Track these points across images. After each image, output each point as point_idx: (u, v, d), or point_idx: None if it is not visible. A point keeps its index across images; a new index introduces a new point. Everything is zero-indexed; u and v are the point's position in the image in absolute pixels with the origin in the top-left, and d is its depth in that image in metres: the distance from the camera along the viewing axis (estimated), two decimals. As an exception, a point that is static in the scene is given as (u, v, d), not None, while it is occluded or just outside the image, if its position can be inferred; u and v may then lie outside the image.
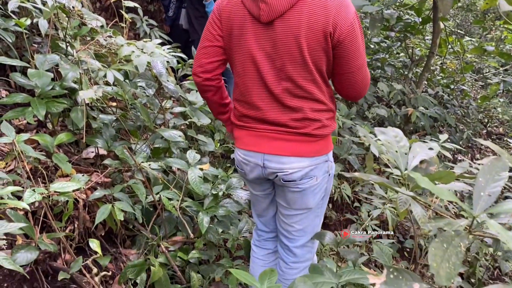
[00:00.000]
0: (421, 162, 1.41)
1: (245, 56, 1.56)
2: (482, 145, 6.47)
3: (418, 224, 1.58)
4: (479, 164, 2.02)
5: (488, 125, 6.90)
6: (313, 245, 1.94)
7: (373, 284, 1.04)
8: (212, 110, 1.86)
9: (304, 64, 1.49)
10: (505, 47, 6.93)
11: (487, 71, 6.96)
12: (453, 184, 1.34)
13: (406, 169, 1.34)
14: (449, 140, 4.92)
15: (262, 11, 1.45)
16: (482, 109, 6.87)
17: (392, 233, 3.43)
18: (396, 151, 1.36)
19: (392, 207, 2.52)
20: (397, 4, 4.79)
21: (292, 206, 1.76)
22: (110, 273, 1.86)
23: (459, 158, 5.50)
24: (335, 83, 1.64)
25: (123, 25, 2.73)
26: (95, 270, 1.80)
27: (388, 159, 1.48)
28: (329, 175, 1.76)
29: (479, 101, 6.48)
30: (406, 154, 1.36)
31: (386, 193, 2.55)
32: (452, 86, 6.03)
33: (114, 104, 2.35)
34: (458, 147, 1.95)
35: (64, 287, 1.74)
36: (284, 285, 1.91)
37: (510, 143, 6.65)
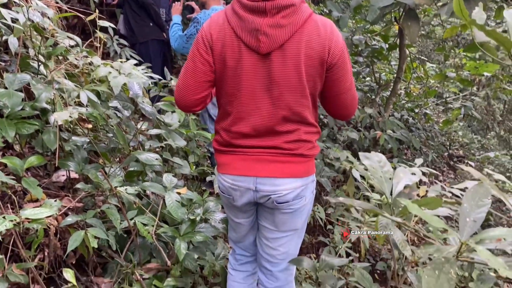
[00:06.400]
0: (404, 187, 1.43)
1: (241, 87, 1.54)
2: (444, 167, 6.69)
3: (398, 248, 1.59)
4: (451, 187, 2.07)
5: (450, 147, 7.16)
6: (293, 267, 1.93)
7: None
8: None
9: (303, 91, 1.52)
10: (463, 73, 7.27)
11: (447, 95, 7.26)
12: (437, 209, 1.36)
13: (391, 194, 1.35)
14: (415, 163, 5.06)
15: (262, 43, 1.45)
16: (444, 132, 7.13)
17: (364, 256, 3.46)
18: (381, 176, 1.37)
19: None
20: (364, 30, 4.95)
21: (280, 229, 1.75)
22: (81, 304, 1.76)
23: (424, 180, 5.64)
24: (327, 105, 1.70)
25: (96, 44, 2.68)
26: (65, 301, 1.70)
27: (370, 184, 1.49)
28: (313, 194, 1.78)
29: (441, 124, 6.73)
30: (390, 179, 1.38)
31: (361, 216, 2.57)
32: (416, 110, 6.23)
33: (90, 126, 2.27)
34: (433, 171, 2.00)
35: (32, 320, 1.63)
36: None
37: (470, 165, 6.91)
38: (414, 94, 6.59)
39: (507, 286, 3.43)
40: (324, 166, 3.62)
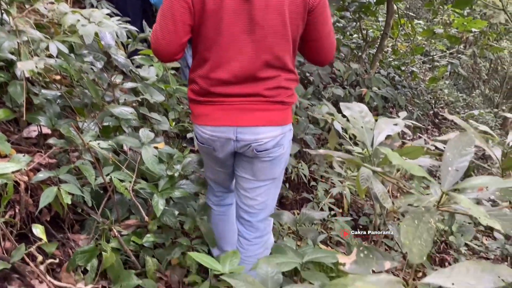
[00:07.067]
0: (386, 137, 1.39)
1: (222, 31, 1.47)
2: (429, 125, 6.71)
3: (378, 201, 1.56)
4: (435, 141, 2.04)
5: (435, 105, 7.16)
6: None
7: (343, 264, 1.00)
8: None
9: (285, 35, 1.48)
10: (451, 30, 7.17)
11: (434, 53, 7.18)
12: (419, 160, 1.33)
13: (372, 145, 1.30)
14: (399, 116, 5.03)
15: None
16: (429, 91, 7.11)
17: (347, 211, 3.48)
18: (362, 127, 1.32)
19: (351, 185, 2.52)
20: (352, -17, 4.79)
21: (258, 178, 1.74)
22: (57, 261, 1.72)
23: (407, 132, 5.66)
24: (305, 49, 1.66)
25: (67, -7, 2.52)
26: (40, 258, 1.66)
27: (354, 141, 1.45)
28: (291, 143, 1.77)
29: (427, 82, 6.69)
30: (371, 129, 1.33)
31: (345, 171, 2.55)
32: (402, 68, 6.17)
33: (58, 77, 2.16)
34: (416, 123, 1.96)
35: (5, 277, 1.59)
36: (248, 263, 1.86)
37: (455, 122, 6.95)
38: (401, 51, 6.51)
39: (486, 239, 3.51)
40: (309, 123, 3.58)
